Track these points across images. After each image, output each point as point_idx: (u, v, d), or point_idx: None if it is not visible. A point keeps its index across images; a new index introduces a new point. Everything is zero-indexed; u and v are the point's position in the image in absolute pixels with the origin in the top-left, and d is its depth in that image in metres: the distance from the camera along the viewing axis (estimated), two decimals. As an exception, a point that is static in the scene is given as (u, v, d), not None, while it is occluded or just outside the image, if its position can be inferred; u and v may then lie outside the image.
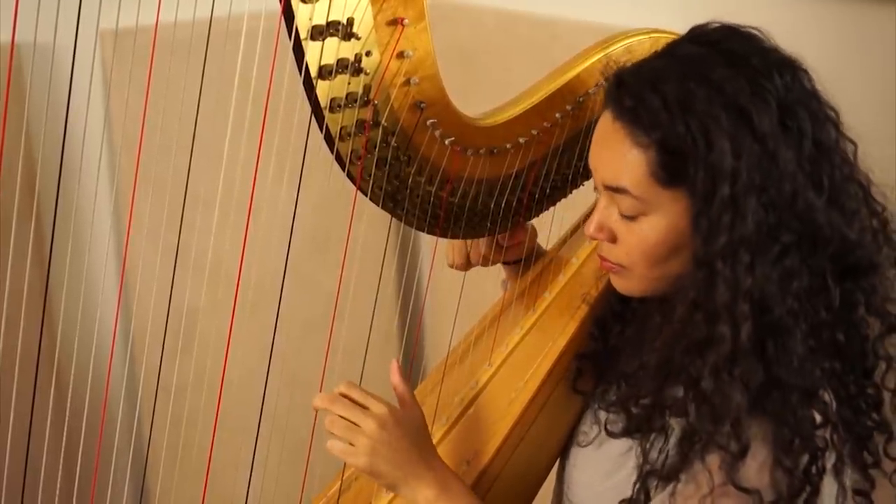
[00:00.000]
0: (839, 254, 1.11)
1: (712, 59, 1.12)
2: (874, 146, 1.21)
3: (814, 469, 1.09)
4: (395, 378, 1.25)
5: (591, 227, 1.21)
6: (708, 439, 1.09)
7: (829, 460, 1.10)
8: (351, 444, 1.17)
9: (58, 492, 1.34)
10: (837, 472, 1.12)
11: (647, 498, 1.14)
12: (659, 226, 1.14)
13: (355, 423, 1.17)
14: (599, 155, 1.18)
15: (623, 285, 1.23)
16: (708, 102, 1.08)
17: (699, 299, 1.12)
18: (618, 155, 1.14)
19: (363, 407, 1.19)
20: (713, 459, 1.09)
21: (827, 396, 1.12)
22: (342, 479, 1.36)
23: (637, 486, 1.15)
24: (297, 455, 1.38)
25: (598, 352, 1.36)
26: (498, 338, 1.43)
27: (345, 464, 1.36)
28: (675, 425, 1.14)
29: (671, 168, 1.11)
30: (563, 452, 1.37)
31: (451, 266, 1.51)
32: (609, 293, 1.35)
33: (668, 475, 1.12)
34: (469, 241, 1.48)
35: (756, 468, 1.08)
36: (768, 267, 1.08)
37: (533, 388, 1.33)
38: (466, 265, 1.50)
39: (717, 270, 1.10)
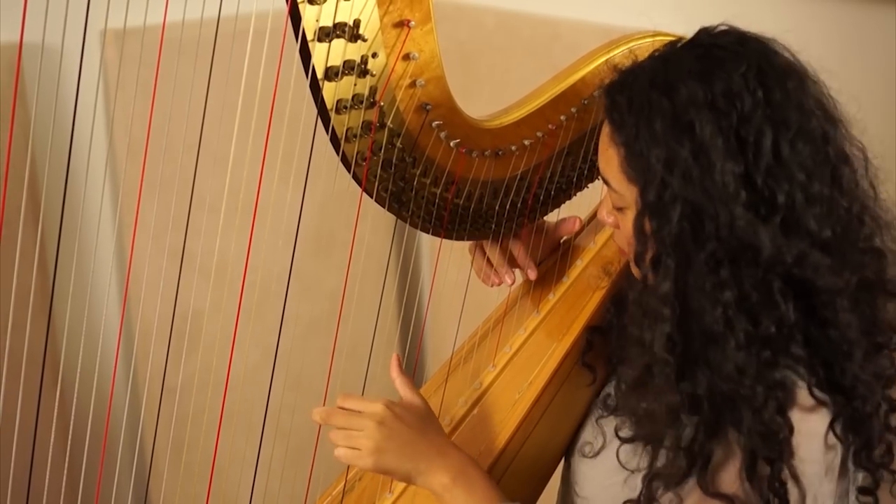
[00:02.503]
0: (788, 273, 1.09)
1: (686, 68, 1.12)
2: (874, 146, 1.21)
3: (777, 483, 1.08)
4: (395, 371, 1.27)
5: (602, 212, 1.27)
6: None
7: (791, 470, 1.09)
8: (356, 449, 1.18)
9: (62, 492, 1.34)
10: (800, 482, 1.10)
11: (652, 500, 1.14)
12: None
13: (355, 429, 1.18)
14: (599, 146, 1.22)
15: (633, 269, 1.24)
16: (656, 111, 1.10)
17: (635, 298, 1.17)
18: (603, 149, 1.19)
19: (360, 412, 1.20)
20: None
21: (808, 401, 1.10)
22: (346, 480, 1.36)
23: (642, 489, 1.16)
24: (300, 455, 1.38)
25: (611, 327, 1.37)
26: (502, 339, 1.43)
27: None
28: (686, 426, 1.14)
29: (633, 168, 1.13)
30: (567, 456, 1.37)
31: (489, 281, 1.47)
32: (628, 270, 1.35)
33: (674, 480, 1.12)
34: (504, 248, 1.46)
35: (735, 474, 1.09)
36: (699, 277, 1.09)
37: (537, 390, 1.33)
38: (503, 271, 1.46)
39: (642, 272, 1.14)
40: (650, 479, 1.14)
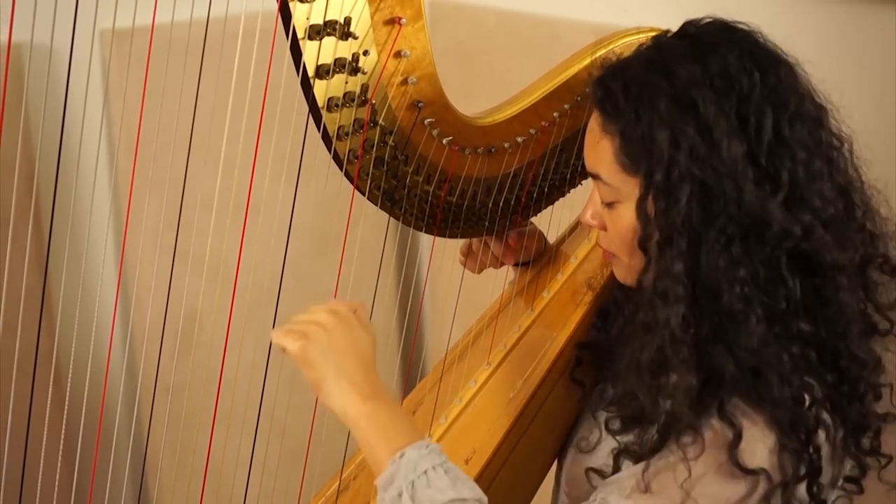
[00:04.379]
0: (795, 248, 1.11)
1: (682, 52, 1.14)
2: (873, 146, 1.21)
3: (811, 448, 1.10)
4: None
5: (585, 214, 1.24)
6: (674, 422, 1.10)
7: (821, 437, 1.11)
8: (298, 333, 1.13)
9: (55, 491, 1.34)
10: (833, 443, 1.13)
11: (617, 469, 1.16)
12: (628, 213, 1.16)
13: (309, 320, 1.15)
14: (585, 143, 1.21)
15: (618, 273, 1.25)
16: (656, 92, 1.11)
17: (645, 284, 1.15)
18: (593, 142, 1.18)
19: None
20: (688, 445, 1.09)
21: (813, 380, 1.12)
22: (340, 479, 1.36)
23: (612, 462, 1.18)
24: (295, 454, 1.38)
25: (599, 342, 1.37)
26: (496, 337, 1.43)
27: (343, 463, 1.36)
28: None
29: (631, 156, 1.13)
30: (561, 454, 1.37)
31: (462, 263, 1.51)
32: (613, 282, 1.35)
33: (642, 455, 1.13)
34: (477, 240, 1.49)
35: (766, 451, 1.09)
36: (713, 255, 1.09)
37: (531, 388, 1.33)
38: (473, 261, 1.50)
39: (650, 256, 1.13)
40: (618, 453, 1.16)
